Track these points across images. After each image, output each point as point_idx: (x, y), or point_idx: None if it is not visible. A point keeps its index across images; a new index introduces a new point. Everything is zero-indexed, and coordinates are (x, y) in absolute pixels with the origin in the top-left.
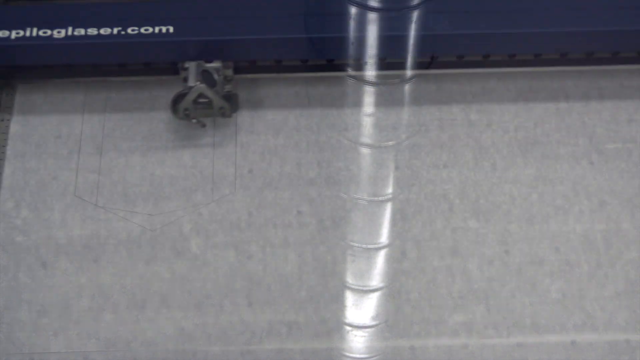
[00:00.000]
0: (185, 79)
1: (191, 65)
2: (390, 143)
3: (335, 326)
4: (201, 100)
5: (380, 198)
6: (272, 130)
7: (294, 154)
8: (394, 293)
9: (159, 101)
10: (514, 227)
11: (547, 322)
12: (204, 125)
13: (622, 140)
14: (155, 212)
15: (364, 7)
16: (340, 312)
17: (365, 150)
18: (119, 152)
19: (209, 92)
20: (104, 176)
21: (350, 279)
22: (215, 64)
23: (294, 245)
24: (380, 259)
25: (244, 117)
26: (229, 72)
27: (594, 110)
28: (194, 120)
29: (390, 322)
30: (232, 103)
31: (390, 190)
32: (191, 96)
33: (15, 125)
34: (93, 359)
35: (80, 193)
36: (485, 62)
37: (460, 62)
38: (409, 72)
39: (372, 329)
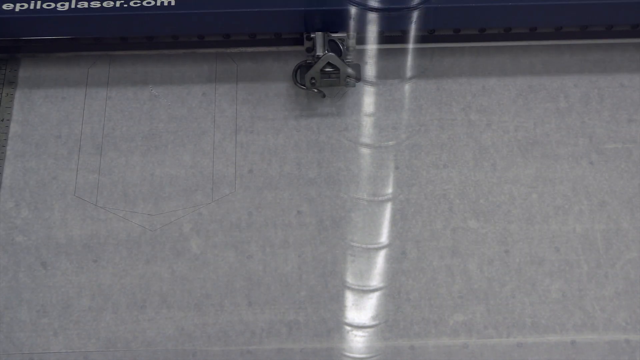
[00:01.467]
0: (309, 49)
1: (318, 35)
2: (390, 143)
3: (335, 326)
4: (326, 69)
5: (380, 198)
6: (272, 130)
7: (294, 154)
8: (394, 293)
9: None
10: (514, 227)
11: (547, 322)
12: (324, 96)
13: (622, 140)
14: (155, 212)
15: (364, 7)
16: (340, 312)
17: (365, 150)
18: (119, 152)
19: (338, 61)
20: (104, 176)
21: (350, 279)
22: (341, 34)
23: (294, 245)
24: (380, 259)
25: (244, 116)
26: (352, 42)
27: (594, 110)
28: (315, 90)
29: (390, 322)
30: (356, 72)
31: (390, 190)
32: (320, 65)
33: (15, 125)
34: (93, 359)
35: (80, 193)
36: (481, 35)
37: (457, 36)
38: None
39: (372, 329)
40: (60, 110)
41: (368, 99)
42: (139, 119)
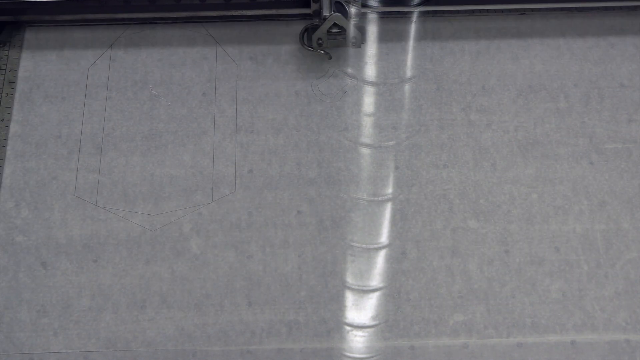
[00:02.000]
0: (316, 12)
1: None
2: (390, 143)
3: (335, 326)
4: (333, 30)
5: (380, 198)
6: (272, 130)
7: (294, 154)
8: (394, 293)
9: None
10: (514, 227)
11: (547, 322)
12: (330, 57)
13: (622, 140)
14: (155, 212)
15: (364, 7)
16: (340, 312)
17: (365, 150)
18: (119, 152)
19: (344, 21)
20: (104, 176)
21: (350, 279)
22: None
23: (294, 245)
24: (380, 259)
25: (244, 116)
26: (358, 4)
27: (594, 110)
28: (321, 52)
29: (390, 322)
30: (362, 34)
31: (390, 190)
32: (326, 25)
33: (15, 125)
34: (93, 359)
35: (80, 193)
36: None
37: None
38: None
39: (372, 329)
40: (60, 110)
41: (368, 99)
42: (139, 119)
